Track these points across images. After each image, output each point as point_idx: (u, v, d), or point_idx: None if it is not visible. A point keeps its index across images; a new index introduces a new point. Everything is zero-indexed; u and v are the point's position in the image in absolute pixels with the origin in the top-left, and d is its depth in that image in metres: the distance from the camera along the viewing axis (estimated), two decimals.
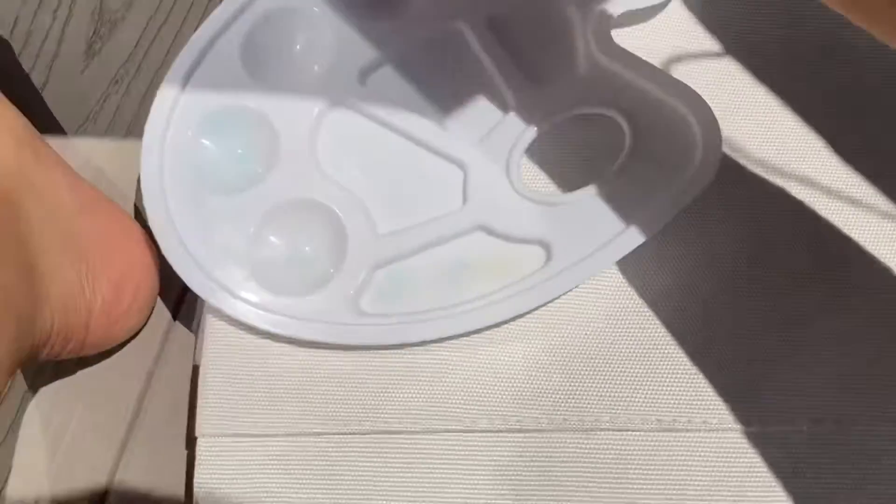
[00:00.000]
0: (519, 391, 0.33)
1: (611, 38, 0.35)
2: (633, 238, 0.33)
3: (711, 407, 0.32)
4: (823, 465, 0.31)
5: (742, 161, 0.35)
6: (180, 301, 0.39)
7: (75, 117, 0.42)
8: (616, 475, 0.32)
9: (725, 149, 0.35)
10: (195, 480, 0.33)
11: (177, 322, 0.39)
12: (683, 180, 0.33)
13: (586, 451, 0.32)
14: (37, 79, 0.42)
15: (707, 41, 0.38)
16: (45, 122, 0.41)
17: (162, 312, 0.39)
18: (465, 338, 0.34)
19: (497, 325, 0.33)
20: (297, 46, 0.37)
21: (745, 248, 0.34)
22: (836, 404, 0.32)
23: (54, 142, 0.37)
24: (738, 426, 0.32)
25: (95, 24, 0.42)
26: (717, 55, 0.38)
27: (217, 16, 0.36)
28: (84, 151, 0.41)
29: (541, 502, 0.32)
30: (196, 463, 0.33)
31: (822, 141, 0.36)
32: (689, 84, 0.35)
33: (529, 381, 0.33)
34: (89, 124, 0.42)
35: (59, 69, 0.42)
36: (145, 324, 0.38)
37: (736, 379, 0.32)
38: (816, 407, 0.32)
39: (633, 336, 0.33)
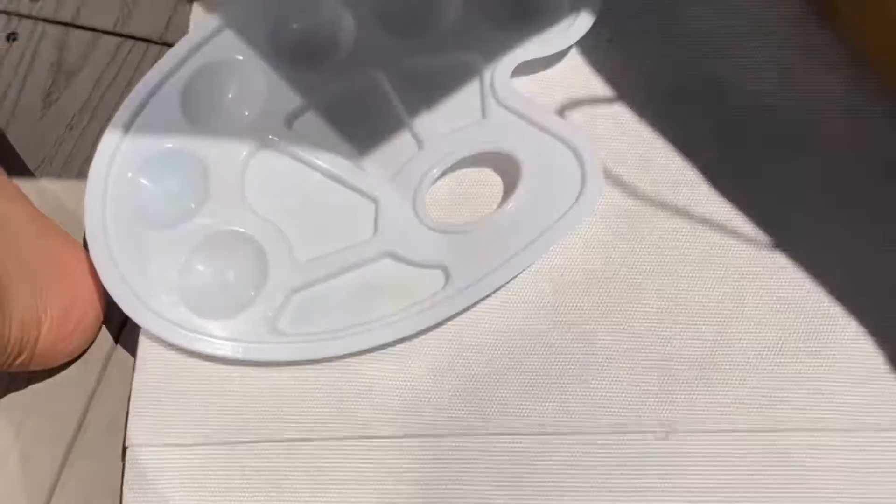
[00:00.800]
0: (422, 400, 0.36)
1: (510, 86, 0.40)
2: (520, 263, 0.36)
3: (587, 413, 0.36)
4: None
5: (623, 194, 0.39)
6: (123, 326, 0.43)
7: (33, 159, 0.46)
8: (510, 477, 0.35)
9: (609, 183, 0.39)
10: (124, 487, 0.36)
11: (119, 346, 0.43)
12: (568, 213, 0.37)
13: (480, 454, 0.35)
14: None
15: (601, 87, 0.42)
16: (7, 162, 0.45)
17: (106, 336, 0.42)
18: (373, 353, 0.37)
19: (401, 340, 0.37)
20: (230, 94, 0.41)
21: (623, 271, 0.38)
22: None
23: (16, 179, 0.41)
24: (592, 432, 0.35)
25: (54, 76, 0.47)
26: (610, 100, 0.42)
27: (159, 67, 0.41)
28: (41, 188, 0.45)
29: None
30: (125, 470, 0.36)
31: (699, 174, 0.40)
32: (579, 126, 0.39)
33: (432, 391, 0.36)
34: (45, 165, 0.46)
35: (19, 116, 0.46)
36: (90, 345, 0.42)
37: (611, 386, 0.36)
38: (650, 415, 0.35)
39: (522, 350, 0.37)
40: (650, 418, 0.35)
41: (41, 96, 0.46)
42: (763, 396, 0.35)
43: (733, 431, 0.35)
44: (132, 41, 0.48)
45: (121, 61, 0.48)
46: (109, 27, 0.49)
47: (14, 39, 0.48)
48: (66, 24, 0.48)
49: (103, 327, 0.42)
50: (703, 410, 0.35)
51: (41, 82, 0.47)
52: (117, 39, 0.48)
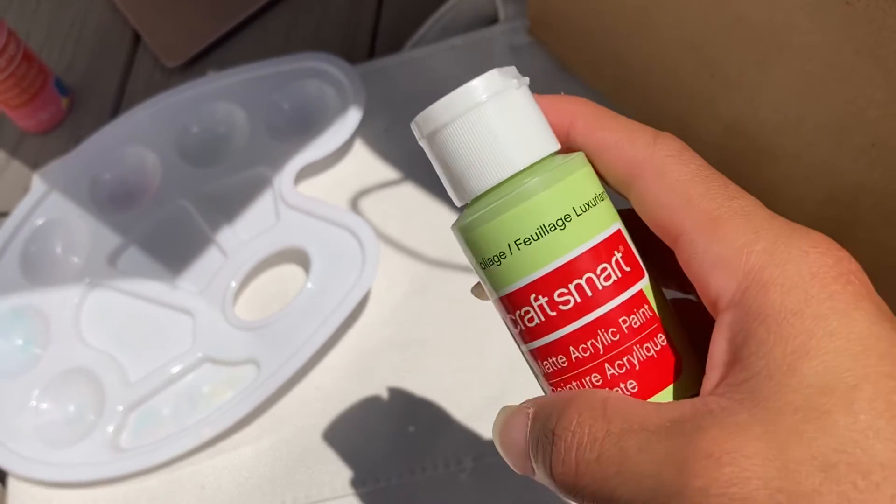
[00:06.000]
0: (252, 485, 0.40)
1: (294, 190, 0.45)
2: (317, 340, 0.41)
3: (406, 461, 0.39)
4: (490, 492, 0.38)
5: (410, 260, 0.44)
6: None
7: None
8: None
9: (397, 252, 0.44)
10: None
11: (6, 490, 0.47)
12: (353, 288, 0.42)
13: None
14: None
15: (387, 172, 0.47)
16: None
17: None
18: (205, 449, 0.41)
19: (228, 432, 0.41)
20: (59, 249, 0.47)
21: (413, 330, 0.42)
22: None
23: None
24: (411, 477, 0.39)
25: None
26: (397, 181, 0.47)
27: None
28: None
29: None
30: None
31: None
32: (371, 209, 0.44)
33: (259, 476, 0.40)
34: None
35: None
36: None
37: (423, 431, 0.40)
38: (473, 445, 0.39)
39: (339, 417, 0.41)
40: (462, 454, 0.39)
41: None
42: None
43: None
44: None
45: None
46: None
47: None
48: None
49: None
50: None
51: None
52: None
